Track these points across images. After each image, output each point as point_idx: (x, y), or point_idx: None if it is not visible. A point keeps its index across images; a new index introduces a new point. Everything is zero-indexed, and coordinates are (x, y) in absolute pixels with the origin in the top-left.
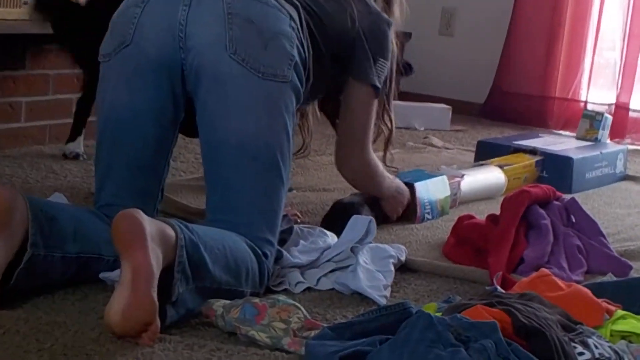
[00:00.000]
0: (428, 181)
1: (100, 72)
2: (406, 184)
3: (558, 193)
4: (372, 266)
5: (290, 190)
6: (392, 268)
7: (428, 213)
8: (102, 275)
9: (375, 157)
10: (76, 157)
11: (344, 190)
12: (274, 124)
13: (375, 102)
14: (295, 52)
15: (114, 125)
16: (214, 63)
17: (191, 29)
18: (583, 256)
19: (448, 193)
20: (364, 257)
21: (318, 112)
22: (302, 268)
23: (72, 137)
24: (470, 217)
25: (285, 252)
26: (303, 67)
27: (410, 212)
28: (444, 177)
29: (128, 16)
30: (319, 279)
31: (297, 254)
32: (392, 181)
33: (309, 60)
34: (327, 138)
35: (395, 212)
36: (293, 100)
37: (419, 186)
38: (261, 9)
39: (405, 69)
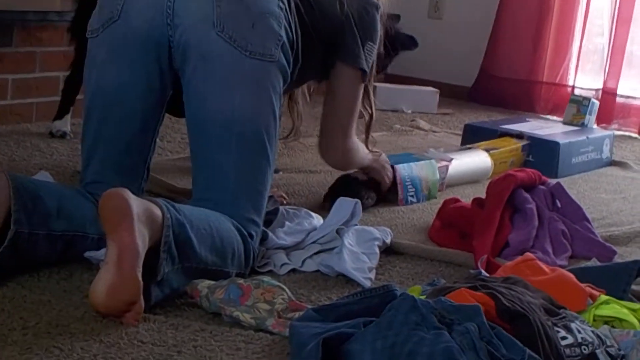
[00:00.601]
0: (411, 164)
1: (87, 47)
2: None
3: (543, 177)
4: (357, 248)
5: (276, 171)
6: (377, 250)
7: (412, 195)
8: (87, 254)
9: (357, 140)
10: (63, 135)
11: (330, 172)
12: (260, 103)
13: (362, 87)
14: (283, 32)
15: (101, 101)
16: (201, 40)
17: (179, 5)
18: (568, 241)
19: (436, 177)
20: (349, 239)
21: (307, 96)
22: (287, 249)
23: (60, 115)
24: (456, 200)
25: (270, 233)
26: (291, 48)
27: (392, 193)
28: (432, 161)
29: None
30: (304, 261)
31: (282, 235)
32: (367, 154)
33: (297, 42)
34: (314, 119)
35: (383, 178)
36: (280, 80)
37: (400, 168)
38: None
39: (409, 43)
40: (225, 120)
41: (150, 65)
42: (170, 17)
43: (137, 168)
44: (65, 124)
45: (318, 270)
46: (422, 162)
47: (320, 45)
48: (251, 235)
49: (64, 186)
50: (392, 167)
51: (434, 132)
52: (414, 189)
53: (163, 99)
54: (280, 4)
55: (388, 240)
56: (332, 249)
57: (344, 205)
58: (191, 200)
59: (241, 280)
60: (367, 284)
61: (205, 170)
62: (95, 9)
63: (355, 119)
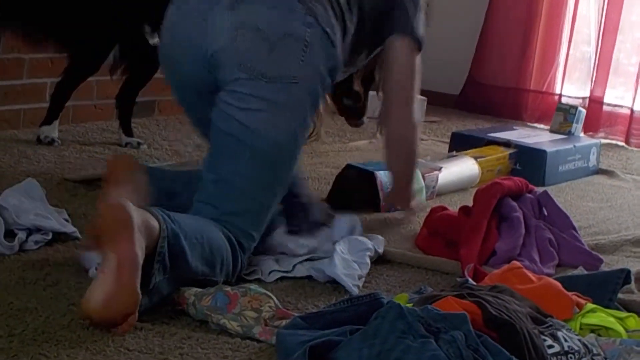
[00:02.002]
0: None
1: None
2: (366, 172)
3: (530, 186)
4: (348, 256)
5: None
6: (368, 261)
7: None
8: (81, 256)
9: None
10: (51, 142)
11: (318, 177)
12: (278, 121)
13: (419, 57)
14: (302, 52)
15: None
16: (224, 72)
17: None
18: (555, 249)
19: (420, 184)
20: (341, 247)
21: (328, 99)
22: (276, 256)
23: (48, 121)
24: (443, 208)
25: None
26: (332, 55)
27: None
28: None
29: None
30: (294, 266)
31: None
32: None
33: (348, 36)
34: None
35: (397, 202)
36: (306, 96)
37: (381, 175)
38: (269, 14)
39: None
40: (242, 132)
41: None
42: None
43: None
44: (54, 130)
45: (305, 278)
46: None
47: (370, 24)
48: (242, 247)
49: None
50: (372, 173)
51: (421, 139)
52: None
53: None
54: (308, 19)
55: (380, 250)
56: (323, 258)
57: (342, 221)
58: (195, 199)
59: (228, 288)
60: (355, 290)
61: (214, 176)
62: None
63: (415, 90)
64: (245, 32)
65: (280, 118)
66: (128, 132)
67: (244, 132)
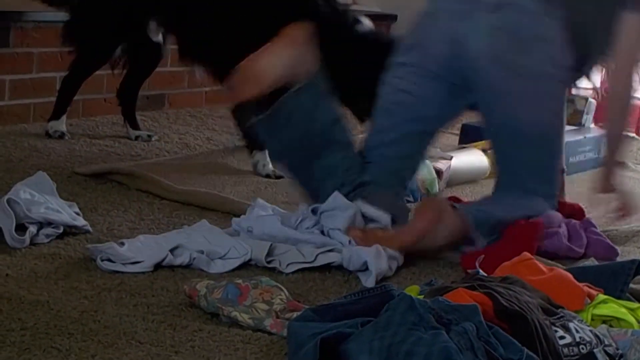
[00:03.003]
0: None
1: None
2: None
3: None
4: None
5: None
6: (393, 269)
7: (407, 195)
8: (89, 246)
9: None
10: (61, 136)
11: None
12: (538, 116)
13: None
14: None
15: None
16: (484, 73)
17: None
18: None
19: (433, 176)
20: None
21: None
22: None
23: (56, 115)
24: (457, 199)
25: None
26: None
27: None
28: (426, 161)
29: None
30: (317, 256)
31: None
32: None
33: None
34: None
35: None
36: (556, 88)
37: None
38: (522, 17)
39: None
40: (517, 127)
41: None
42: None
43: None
44: (62, 124)
45: (316, 270)
46: None
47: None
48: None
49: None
50: None
51: None
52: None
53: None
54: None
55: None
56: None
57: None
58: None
59: (239, 280)
60: (372, 284)
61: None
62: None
63: None
64: (502, 34)
65: (537, 111)
66: (134, 125)
67: (520, 127)
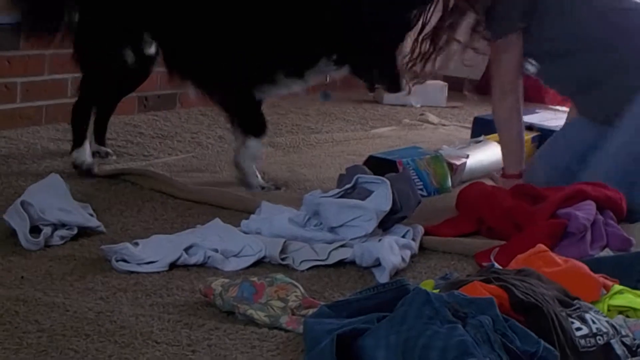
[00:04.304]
0: (415, 157)
1: None
2: (390, 161)
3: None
4: (396, 246)
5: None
6: (407, 258)
7: (420, 189)
8: (104, 247)
9: None
10: (89, 170)
11: (340, 166)
12: None
13: None
14: None
15: None
16: None
17: None
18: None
19: (445, 170)
20: (391, 236)
21: None
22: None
23: (78, 143)
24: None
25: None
26: None
27: None
28: (439, 153)
29: None
30: (329, 253)
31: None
32: None
33: None
34: (324, 115)
35: None
36: None
37: (404, 162)
38: None
39: None
40: None
41: None
42: None
43: None
44: (86, 154)
45: (331, 267)
46: (428, 155)
47: None
48: None
49: None
50: (396, 161)
51: (443, 125)
52: (421, 183)
53: None
54: None
55: (417, 242)
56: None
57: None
58: None
59: (254, 278)
60: (386, 279)
61: None
62: None
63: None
64: None
65: None
66: (101, 140)
67: None
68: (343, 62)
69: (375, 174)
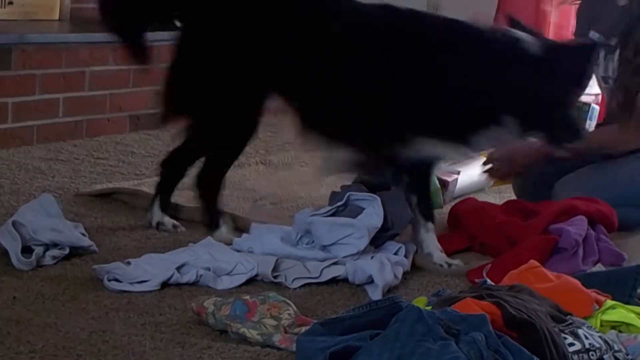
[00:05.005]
0: None
1: None
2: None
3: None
4: (388, 263)
5: None
6: (400, 275)
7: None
8: (95, 267)
9: None
10: (172, 228)
11: (332, 183)
12: None
13: None
14: None
15: None
16: None
17: None
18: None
19: (436, 186)
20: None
21: None
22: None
23: (214, 220)
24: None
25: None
26: None
27: None
28: None
29: None
30: (322, 270)
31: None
32: None
33: None
34: None
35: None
36: None
37: None
38: None
39: None
40: None
41: None
42: None
43: None
44: (159, 213)
45: (324, 284)
46: None
47: None
48: None
49: None
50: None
51: None
52: None
53: None
54: None
55: (409, 260)
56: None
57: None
58: None
59: (247, 297)
60: (379, 297)
61: None
62: None
63: None
64: None
65: None
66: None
67: None
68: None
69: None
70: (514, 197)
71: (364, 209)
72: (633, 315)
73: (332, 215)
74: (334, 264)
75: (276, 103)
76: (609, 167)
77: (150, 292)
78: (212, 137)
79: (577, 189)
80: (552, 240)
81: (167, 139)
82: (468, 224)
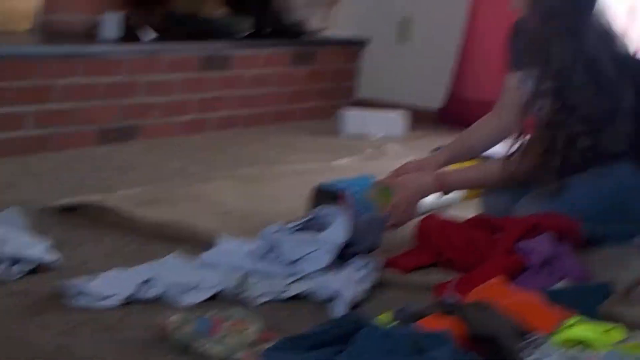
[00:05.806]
0: (363, 189)
1: None
2: (333, 192)
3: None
4: (356, 277)
5: None
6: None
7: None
8: (59, 282)
9: None
10: None
11: (300, 197)
12: None
13: None
14: None
15: None
16: None
17: None
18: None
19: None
20: (351, 267)
21: None
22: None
23: None
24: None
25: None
26: None
27: None
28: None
29: None
30: (287, 286)
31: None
32: None
33: None
34: (284, 147)
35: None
36: None
37: (350, 195)
38: None
39: None
40: None
41: None
42: None
43: None
44: None
45: (290, 300)
46: (379, 186)
47: None
48: None
49: None
50: (342, 193)
51: (405, 156)
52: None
53: None
54: None
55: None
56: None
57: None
58: None
59: (212, 312)
60: (343, 312)
61: None
62: None
63: None
64: None
65: None
66: None
67: None
68: None
69: (320, 204)
70: (479, 212)
71: (331, 223)
72: (598, 331)
73: (301, 229)
74: (300, 279)
75: None
76: (572, 183)
77: (115, 307)
78: None
79: (538, 208)
80: (520, 263)
81: (135, 151)
82: (434, 239)
